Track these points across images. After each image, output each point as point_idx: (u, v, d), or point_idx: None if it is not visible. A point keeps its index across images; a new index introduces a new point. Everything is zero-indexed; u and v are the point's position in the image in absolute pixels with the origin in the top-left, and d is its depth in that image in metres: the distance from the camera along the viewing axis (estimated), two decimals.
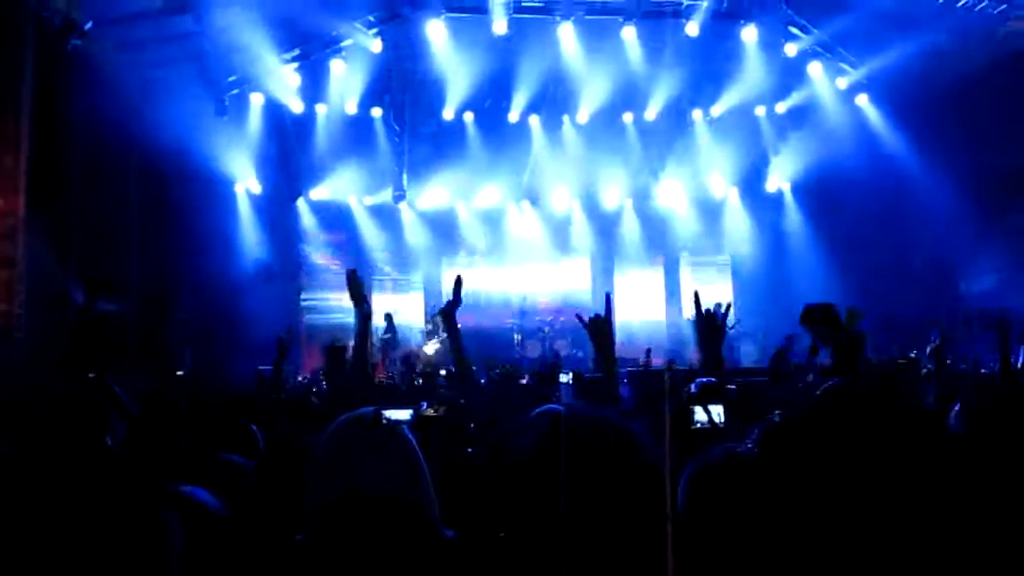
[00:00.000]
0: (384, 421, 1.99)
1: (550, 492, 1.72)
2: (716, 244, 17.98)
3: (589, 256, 17.77)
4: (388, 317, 14.27)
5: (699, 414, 3.20)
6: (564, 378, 8.21)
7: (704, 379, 3.74)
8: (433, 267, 17.52)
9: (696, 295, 4.23)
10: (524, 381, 7.27)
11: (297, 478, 2.03)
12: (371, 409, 2.05)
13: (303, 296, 16.43)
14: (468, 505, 1.95)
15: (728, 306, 4.43)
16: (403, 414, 2.69)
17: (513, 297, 16.80)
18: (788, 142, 16.48)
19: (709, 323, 4.02)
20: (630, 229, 18.06)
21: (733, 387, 3.67)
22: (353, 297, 3.51)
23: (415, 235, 17.45)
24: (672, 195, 17.64)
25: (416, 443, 2.01)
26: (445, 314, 3.52)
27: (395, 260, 17.44)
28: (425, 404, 3.79)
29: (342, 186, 16.75)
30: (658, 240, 18.03)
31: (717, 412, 3.30)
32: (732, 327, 11.86)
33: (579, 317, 3.52)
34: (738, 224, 17.84)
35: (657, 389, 3.78)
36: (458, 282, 3.59)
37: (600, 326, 3.45)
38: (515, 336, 16.14)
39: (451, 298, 3.55)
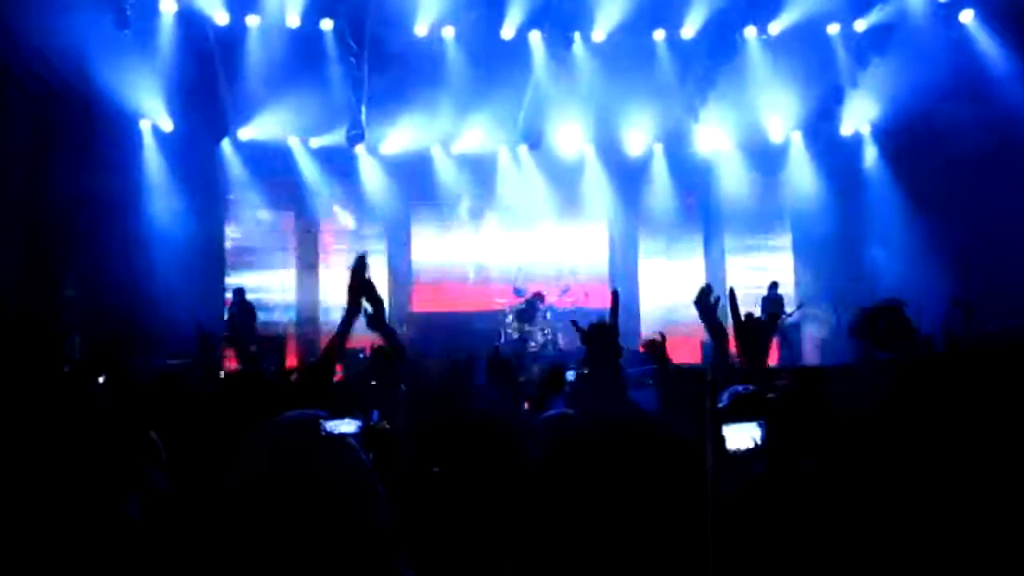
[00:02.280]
0: (325, 432, 2.08)
1: (568, 508, 1.93)
2: (773, 204, 18.12)
3: (606, 220, 18.14)
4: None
5: (731, 437, 3.24)
6: (570, 375, 8.24)
7: (739, 387, 3.77)
8: (399, 230, 17.95)
9: (732, 293, 4.35)
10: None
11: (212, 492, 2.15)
12: (306, 414, 2.14)
13: (230, 274, 16.85)
14: (435, 540, 2.14)
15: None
16: (348, 426, 2.77)
17: (512, 270, 17.18)
18: (869, 71, 16.45)
19: (749, 328, 4.18)
20: (660, 184, 18.24)
21: (776, 393, 3.56)
22: (352, 290, 3.56)
23: (377, 188, 17.66)
24: (716, 140, 17.71)
25: (368, 463, 2.11)
26: (353, 296, 3.53)
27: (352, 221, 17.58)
28: (377, 414, 3.72)
29: (281, 124, 16.81)
30: (697, 198, 18.38)
31: (752, 434, 3.29)
32: (790, 315, 14.55)
33: (575, 324, 3.74)
34: (802, 178, 17.84)
35: (689, 392, 3.73)
36: (360, 264, 3.63)
37: (603, 336, 3.68)
38: (509, 323, 16.42)
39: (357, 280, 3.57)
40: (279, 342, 15.09)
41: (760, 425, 3.26)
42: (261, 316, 16.09)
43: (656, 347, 4.96)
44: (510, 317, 16.52)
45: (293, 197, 17.34)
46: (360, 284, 3.57)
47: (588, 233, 18.28)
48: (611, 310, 4.98)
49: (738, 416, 3.36)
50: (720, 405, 3.58)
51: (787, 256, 18.39)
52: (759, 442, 3.26)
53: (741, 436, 3.26)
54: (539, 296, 16.52)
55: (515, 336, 16.05)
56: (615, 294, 5.14)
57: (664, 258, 18.42)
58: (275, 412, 2.15)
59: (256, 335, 14.87)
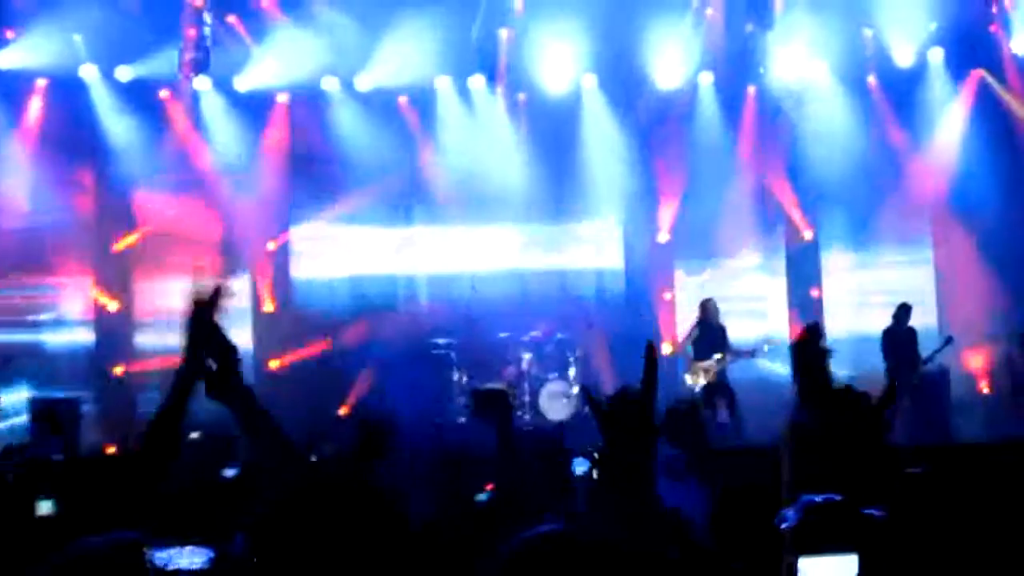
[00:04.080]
0: (153, 567, 2.30)
1: None
2: (904, 177, 17.03)
3: (620, 205, 17.28)
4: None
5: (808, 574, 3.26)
6: (580, 468, 8.45)
7: (816, 497, 3.72)
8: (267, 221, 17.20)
9: (812, 329, 4.60)
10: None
11: None
12: (122, 538, 2.42)
13: None
14: None
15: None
16: (191, 558, 3.05)
17: (465, 286, 16.66)
18: None
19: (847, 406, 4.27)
20: (709, 143, 17.08)
21: (882, 510, 3.47)
22: (193, 339, 3.37)
23: (228, 147, 16.77)
24: (804, 67, 16.95)
25: None
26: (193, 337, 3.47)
27: None
28: (241, 540, 3.32)
29: (65, 47, 16.07)
30: (771, 168, 17.31)
31: (843, 568, 3.24)
32: (929, 358, 14.39)
33: (589, 397, 3.72)
34: (950, 131, 16.84)
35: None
36: (207, 299, 3.48)
37: (630, 414, 3.43)
38: (454, 372, 15.72)
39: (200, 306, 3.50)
40: (68, 412, 13.83)
41: (857, 560, 3.20)
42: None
43: (691, 418, 6.06)
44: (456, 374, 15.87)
45: (88, 159, 16.67)
46: (204, 330, 3.33)
47: (589, 228, 17.61)
48: (645, 371, 3.86)
49: (821, 542, 3.29)
50: (787, 523, 3.53)
51: (923, 269, 17.44)
52: None
53: None
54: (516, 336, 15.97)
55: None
56: (650, 348, 3.86)
57: (713, 269, 17.54)
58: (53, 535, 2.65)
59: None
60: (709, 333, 14.53)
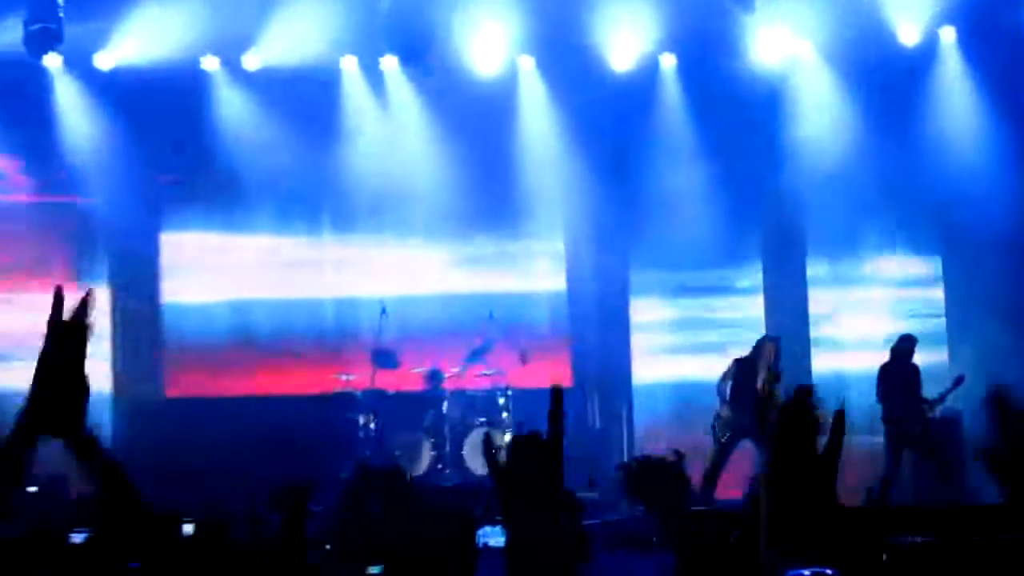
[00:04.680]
0: None
1: None
2: (907, 179, 16.41)
3: (561, 220, 16.88)
4: None
5: None
6: (493, 539, 7.79)
7: (804, 572, 3.96)
8: (138, 236, 16.43)
9: (800, 402, 4.43)
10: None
11: None
12: None
13: None
14: None
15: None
16: None
17: (375, 311, 15.84)
18: None
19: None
20: (672, 140, 16.46)
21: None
22: (45, 371, 3.02)
23: (86, 141, 16.13)
24: (786, 44, 16.50)
25: None
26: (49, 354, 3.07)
27: None
28: None
29: None
30: (748, 166, 16.52)
31: None
32: (936, 401, 14.49)
33: (487, 449, 4.35)
34: (965, 124, 16.14)
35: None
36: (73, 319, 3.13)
37: (532, 466, 4.10)
38: (360, 417, 15.16)
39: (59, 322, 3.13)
40: None
41: None
42: None
43: (662, 475, 5.40)
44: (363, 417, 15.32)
45: None
46: (68, 351, 3.04)
47: (525, 247, 17.14)
48: (551, 415, 4.48)
49: None
50: None
51: (931, 289, 16.90)
52: None
53: None
54: (435, 373, 15.60)
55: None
56: (556, 392, 4.48)
57: (675, 297, 17.00)
58: None
59: None
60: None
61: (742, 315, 16.80)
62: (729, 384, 14.16)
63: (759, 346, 13.64)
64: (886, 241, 17.06)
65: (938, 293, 17.04)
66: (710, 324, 16.86)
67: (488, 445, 5.59)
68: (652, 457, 7.07)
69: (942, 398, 14.14)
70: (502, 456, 5.31)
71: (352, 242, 16.91)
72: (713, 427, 13.51)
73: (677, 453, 8.10)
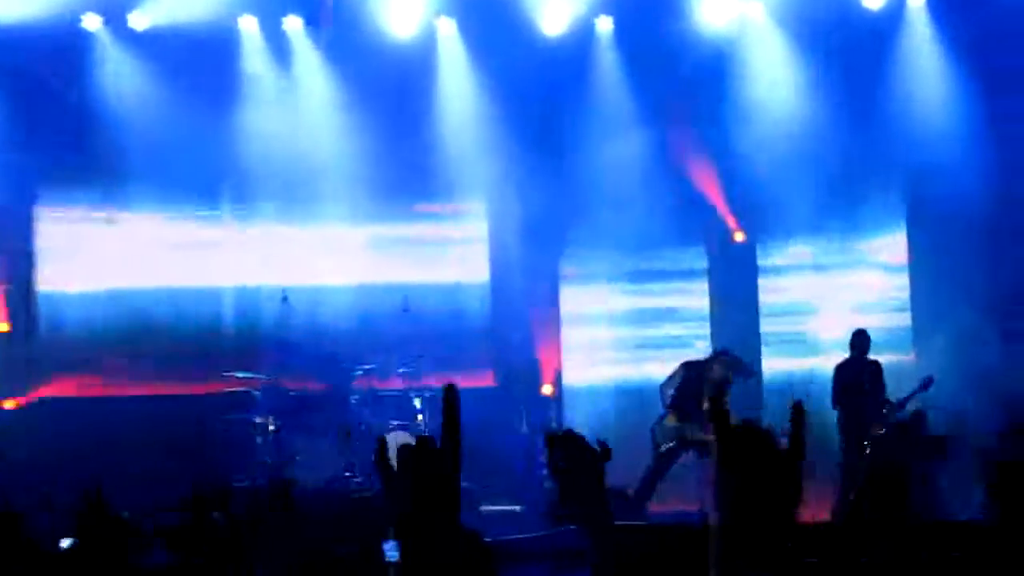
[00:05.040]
0: None
1: None
2: (867, 153, 15.99)
3: (486, 208, 16.65)
4: None
5: None
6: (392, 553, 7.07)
7: None
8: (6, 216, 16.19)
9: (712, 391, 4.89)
10: None
11: None
12: None
13: None
14: None
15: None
16: None
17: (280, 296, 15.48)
18: None
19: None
20: (609, 110, 16.10)
21: None
22: None
23: None
24: (733, 6, 16.22)
25: None
26: None
27: None
28: None
29: None
30: (689, 141, 16.28)
31: None
32: (900, 403, 13.84)
33: (379, 453, 4.46)
34: (932, 92, 15.93)
35: None
36: None
37: (428, 474, 4.27)
38: (257, 417, 14.72)
39: None
40: None
41: None
42: None
43: (582, 456, 6.03)
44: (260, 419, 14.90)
45: None
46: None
47: (444, 230, 16.72)
48: (444, 418, 4.49)
49: None
50: None
51: (895, 275, 16.40)
52: None
53: None
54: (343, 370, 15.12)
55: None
56: (450, 391, 4.45)
57: (612, 284, 16.45)
58: None
59: None
60: None
61: (688, 305, 16.27)
62: (673, 390, 13.66)
63: (709, 360, 13.37)
64: (847, 218, 16.46)
65: (903, 278, 16.42)
66: (654, 316, 16.30)
67: (381, 451, 5.41)
68: (580, 437, 7.08)
69: (904, 402, 13.46)
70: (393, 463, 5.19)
71: (252, 223, 16.19)
72: (652, 432, 13.00)
73: (603, 446, 8.09)
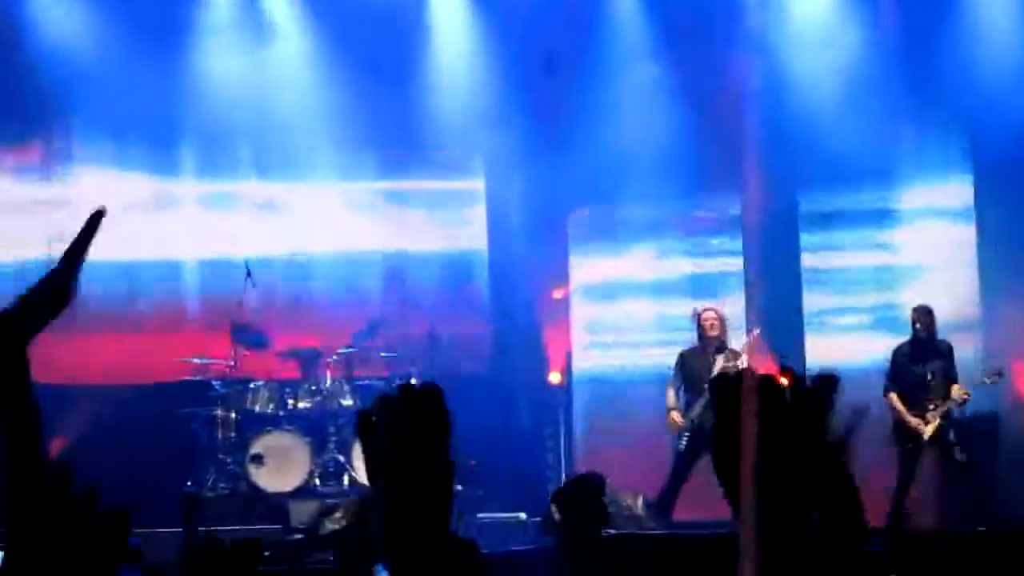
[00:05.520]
0: None
1: None
2: (914, 87, 15.64)
3: (484, 168, 16.35)
4: None
5: None
6: None
7: None
8: None
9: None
10: None
11: None
12: None
13: None
14: None
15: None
16: None
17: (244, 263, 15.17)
18: None
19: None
20: (626, 49, 15.92)
21: None
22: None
23: None
24: None
25: None
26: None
27: None
28: None
29: None
30: (723, 87, 15.56)
31: None
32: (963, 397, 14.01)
33: None
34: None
35: None
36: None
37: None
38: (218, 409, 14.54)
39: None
40: None
41: None
42: None
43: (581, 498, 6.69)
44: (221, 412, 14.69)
45: None
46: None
47: (434, 190, 16.21)
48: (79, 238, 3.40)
49: None
50: None
51: (963, 227, 15.65)
52: None
53: None
54: (315, 355, 14.94)
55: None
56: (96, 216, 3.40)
57: (630, 246, 15.92)
58: None
59: None
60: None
61: (719, 268, 15.37)
62: (677, 384, 13.18)
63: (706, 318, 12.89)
64: (899, 168, 15.57)
65: (969, 234, 15.30)
66: (677, 287, 15.30)
67: (365, 418, 4.55)
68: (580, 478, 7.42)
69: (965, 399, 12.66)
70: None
71: (211, 183, 15.52)
72: (679, 434, 12.50)
73: (594, 477, 8.34)
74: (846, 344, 14.78)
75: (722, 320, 13.41)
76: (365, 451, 4.05)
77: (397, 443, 3.10)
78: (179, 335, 15.04)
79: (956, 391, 12.47)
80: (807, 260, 15.78)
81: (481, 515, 13.66)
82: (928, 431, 11.97)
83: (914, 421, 11.97)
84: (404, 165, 15.88)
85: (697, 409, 12.51)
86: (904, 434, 11.98)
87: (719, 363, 12.42)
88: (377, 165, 15.85)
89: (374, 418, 2.86)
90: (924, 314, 12.94)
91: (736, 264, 15.81)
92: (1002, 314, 14.63)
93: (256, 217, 15.55)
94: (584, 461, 13.25)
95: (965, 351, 13.83)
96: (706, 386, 11.84)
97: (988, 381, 13.02)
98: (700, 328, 12.60)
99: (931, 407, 12.10)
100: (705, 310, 13.39)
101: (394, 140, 15.64)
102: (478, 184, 16.05)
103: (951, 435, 12.68)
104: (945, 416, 12.10)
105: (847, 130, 15.31)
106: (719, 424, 3.27)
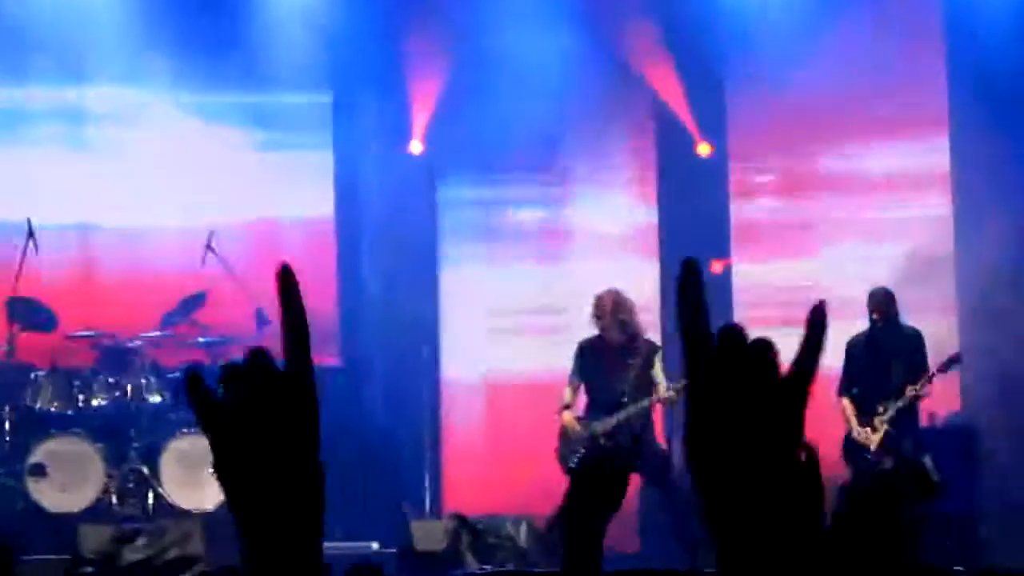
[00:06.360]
0: None
1: None
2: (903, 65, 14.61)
3: (331, 113, 15.56)
4: None
5: None
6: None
7: None
8: None
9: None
10: None
11: None
12: None
13: None
14: None
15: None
16: None
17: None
18: None
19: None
20: None
21: None
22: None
23: None
24: None
25: None
26: None
27: None
28: None
29: None
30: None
31: None
32: (921, 386, 13.42)
33: None
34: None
35: None
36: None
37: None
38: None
39: None
40: None
41: None
42: None
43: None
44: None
45: None
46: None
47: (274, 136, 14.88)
48: (282, 307, 2.21)
49: None
50: None
51: (939, 223, 14.97)
52: None
53: None
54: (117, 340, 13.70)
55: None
56: (285, 275, 2.14)
57: (516, 208, 15.18)
58: None
59: None
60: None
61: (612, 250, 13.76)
62: (575, 381, 11.76)
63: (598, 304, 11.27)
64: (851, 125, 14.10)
65: (942, 207, 14.20)
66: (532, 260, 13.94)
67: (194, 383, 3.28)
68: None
69: (930, 378, 11.71)
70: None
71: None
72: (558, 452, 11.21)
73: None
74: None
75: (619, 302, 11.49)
76: (210, 438, 4.02)
77: (255, 434, 2.38)
78: None
79: (909, 389, 11.41)
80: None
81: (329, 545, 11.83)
82: (875, 440, 10.51)
83: (859, 432, 10.58)
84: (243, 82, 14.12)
85: (607, 422, 10.76)
86: (854, 450, 10.59)
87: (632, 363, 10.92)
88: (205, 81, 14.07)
89: (221, 393, 2.08)
90: (880, 298, 11.76)
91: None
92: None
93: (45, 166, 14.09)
94: (455, 475, 12.25)
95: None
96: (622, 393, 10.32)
97: (945, 372, 11.91)
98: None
99: (880, 410, 10.68)
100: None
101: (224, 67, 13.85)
102: (325, 136, 14.55)
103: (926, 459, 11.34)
104: (893, 422, 10.75)
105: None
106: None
